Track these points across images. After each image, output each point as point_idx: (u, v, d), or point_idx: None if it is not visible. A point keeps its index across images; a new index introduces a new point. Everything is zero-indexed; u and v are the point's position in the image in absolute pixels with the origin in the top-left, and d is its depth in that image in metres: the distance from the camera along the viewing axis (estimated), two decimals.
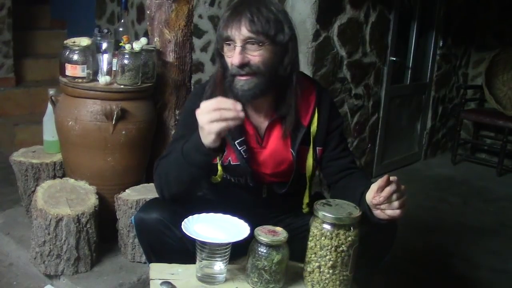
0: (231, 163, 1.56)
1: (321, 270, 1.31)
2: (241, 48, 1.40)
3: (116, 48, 2.03)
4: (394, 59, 3.80)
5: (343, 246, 1.28)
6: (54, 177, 2.15)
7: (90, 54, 1.97)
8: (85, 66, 1.95)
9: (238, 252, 1.40)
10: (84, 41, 1.97)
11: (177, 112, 2.19)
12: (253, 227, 1.36)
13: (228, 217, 1.42)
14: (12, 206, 2.48)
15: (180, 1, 2.12)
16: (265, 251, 1.30)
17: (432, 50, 4.31)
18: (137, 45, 1.97)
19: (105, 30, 2.08)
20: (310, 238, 1.32)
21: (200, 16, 3.73)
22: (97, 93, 1.96)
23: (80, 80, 1.96)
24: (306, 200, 1.65)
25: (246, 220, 1.41)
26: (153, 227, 1.45)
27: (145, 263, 1.91)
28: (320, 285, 1.32)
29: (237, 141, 1.52)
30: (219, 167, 1.57)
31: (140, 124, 2.02)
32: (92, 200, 1.92)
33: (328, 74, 3.24)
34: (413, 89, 4.25)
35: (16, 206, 2.43)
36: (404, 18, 3.89)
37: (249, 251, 1.33)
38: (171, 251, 1.46)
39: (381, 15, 3.55)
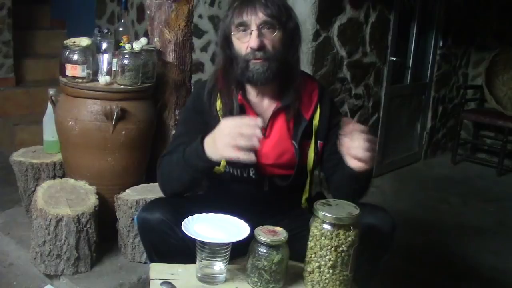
0: None
1: (321, 270, 1.31)
2: (258, 32, 1.46)
3: (116, 48, 2.03)
4: (394, 59, 3.80)
5: (343, 246, 1.28)
6: (54, 177, 2.15)
7: (90, 54, 1.97)
8: (85, 66, 1.95)
9: (238, 252, 1.40)
10: (84, 41, 1.97)
11: (177, 112, 2.19)
12: (253, 226, 1.36)
13: (228, 217, 1.42)
14: (12, 206, 2.48)
15: (180, 1, 2.12)
16: (265, 251, 1.30)
17: (432, 50, 4.31)
18: (137, 45, 1.97)
19: (105, 30, 2.08)
20: (310, 238, 1.32)
21: (200, 16, 3.73)
22: (97, 93, 1.96)
23: (80, 80, 1.96)
24: (305, 195, 1.66)
25: (246, 218, 1.41)
26: (156, 227, 1.45)
27: (145, 263, 1.91)
28: (320, 285, 1.32)
29: None
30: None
31: (140, 124, 2.02)
32: (92, 200, 1.92)
33: (328, 74, 3.24)
34: (413, 89, 4.25)
35: (16, 206, 2.43)
36: (404, 18, 3.89)
37: (249, 251, 1.33)
38: (174, 251, 1.46)
39: (381, 15, 3.55)
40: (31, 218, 1.98)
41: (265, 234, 1.31)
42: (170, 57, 2.15)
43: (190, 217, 1.38)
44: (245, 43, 1.48)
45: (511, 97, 4.39)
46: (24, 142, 3.06)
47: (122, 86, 1.98)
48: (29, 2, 4.44)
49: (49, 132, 2.20)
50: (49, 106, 2.16)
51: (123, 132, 1.98)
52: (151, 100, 2.11)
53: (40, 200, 1.88)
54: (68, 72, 1.96)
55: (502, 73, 4.42)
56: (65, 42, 2.00)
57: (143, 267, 1.91)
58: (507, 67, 4.40)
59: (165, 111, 2.19)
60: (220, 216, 1.42)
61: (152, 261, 1.53)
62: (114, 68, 2.01)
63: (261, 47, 1.46)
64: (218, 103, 1.57)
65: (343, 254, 1.29)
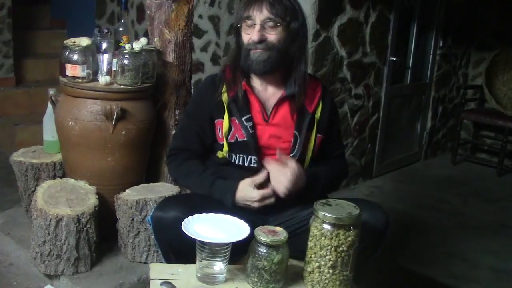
0: (238, 139, 1.65)
1: (321, 270, 1.31)
2: (260, 27, 1.59)
3: (116, 48, 2.03)
4: (394, 59, 3.80)
5: (343, 246, 1.28)
6: (54, 177, 2.15)
7: (90, 54, 1.97)
8: (85, 66, 1.95)
9: (238, 252, 1.40)
10: (84, 41, 1.97)
11: (177, 112, 2.19)
12: (253, 225, 1.36)
13: (228, 217, 1.42)
14: (12, 206, 2.48)
15: (180, 1, 2.12)
16: (265, 251, 1.30)
17: (432, 50, 4.31)
18: (137, 45, 1.97)
19: (105, 30, 2.08)
20: (310, 238, 1.33)
21: (200, 16, 3.73)
22: (97, 93, 1.96)
23: (80, 80, 1.96)
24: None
25: (247, 218, 1.41)
26: (172, 225, 1.44)
27: (145, 263, 1.91)
28: (320, 285, 1.32)
29: (245, 117, 1.64)
30: (225, 144, 1.65)
31: (140, 124, 2.02)
32: (92, 200, 1.92)
33: (328, 74, 3.24)
34: (413, 89, 4.25)
35: (16, 206, 2.43)
36: (404, 18, 3.89)
37: (249, 251, 1.33)
38: (191, 249, 1.45)
39: (381, 15, 3.55)
40: (31, 218, 1.98)
41: (265, 234, 1.31)
42: (170, 57, 2.15)
43: (190, 217, 1.38)
44: (249, 34, 1.61)
45: (511, 97, 4.39)
46: (24, 142, 3.06)
47: (122, 86, 1.98)
48: (29, 2, 4.44)
49: (49, 132, 2.20)
50: (49, 106, 2.16)
51: (123, 132, 1.98)
52: (151, 100, 2.11)
53: (40, 200, 1.88)
54: (68, 72, 1.96)
55: (502, 73, 4.42)
56: (65, 42, 2.00)
57: (143, 267, 1.91)
58: (507, 67, 4.40)
59: (165, 111, 2.19)
60: (220, 216, 1.42)
61: (168, 260, 1.53)
62: (114, 68, 2.01)
63: (261, 41, 1.59)
64: (224, 91, 1.67)
65: (343, 254, 1.29)
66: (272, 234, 1.32)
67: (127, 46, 1.94)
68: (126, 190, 1.98)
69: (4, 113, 3.83)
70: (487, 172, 4.34)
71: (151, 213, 1.56)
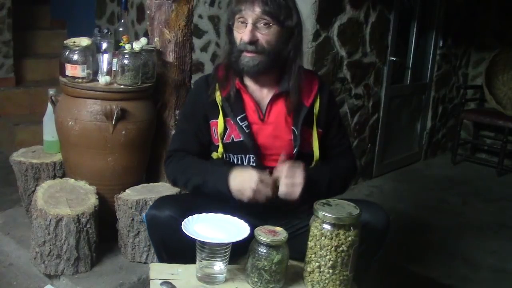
0: (234, 140, 1.61)
1: (321, 270, 1.31)
2: (252, 26, 1.52)
3: (116, 48, 2.03)
4: (394, 59, 3.80)
5: (343, 246, 1.29)
6: (54, 177, 2.15)
7: (90, 54, 1.97)
8: (85, 66, 1.95)
9: (238, 252, 1.40)
10: (84, 41, 1.97)
11: (177, 112, 2.18)
12: (253, 225, 1.36)
13: (228, 217, 1.42)
14: (12, 206, 2.48)
15: (180, 1, 2.12)
16: (265, 251, 1.30)
17: (432, 50, 4.31)
18: (137, 45, 1.97)
19: (105, 30, 2.08)
20: (310, 238, 1.33)
21: (200, 16, 3.73)
22: (97, 93, 1.96)
23: (80, 80, 1.96)
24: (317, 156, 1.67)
25: (247, 219, 1.41)
26: (165, 224, 1.45)
27: (145, 263, 1.91)
28: (320, 285, 1.32)
29: (239, 117, 1.60)
30: (220, 145, 1.62)
31: (140, 124, 2.02)
32: (92, 200, 1.92)
33: (328, 74, 3.24)
34: (413, 89, 4.24)
35: (16, 206, 2.43)
36: (404, 18, 3.89)
37: (249, 251, 1.33)
38: (184, 249, 1.44)
39: (381, 15, 3.55)
40: (31, 218, 1.98)
41: (265, 234, 1.31)
42: (170, 57, 2.15)
43: (190, 217, 1.38)
44: (240, 33, 1.55)
45: (511, 97, 4.39)
46: (24, 142, 3.06)
47: (122, 86, 1.98)
48: (29, 2, 4.44)
49: (49, 132, 2.20)
50: (49, 106, 2.16)
51: (123, 132, 1.98)
52: (151, 100, 2.11)
53: (40, 200, 1.88)
54: (68, 72, 1.96)
55: (502, 73, 4.42)
56: (65, 42, 2.00)
57: (143, 267, 1.91)
58: (507, 67, 4.40)
59: (165, 111, 2.19)
60: (220, 216, 1.42)
61: (160, 259, 1.53)
62: (114, 68, 2.01)
63: (252, 41, 1.52)
64: (217, 91, 1.63)
65: (343, 254, 1.29)
66: (272, 234, 1.32)
67: (127, 46, 1.94)
68: (126, 190, 1.98)
69: (4, 113, 3.83)
70: (487, 172, 4.34)
71: (146, 211, 1.56)
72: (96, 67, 2.00)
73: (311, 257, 1.33)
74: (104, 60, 1.99)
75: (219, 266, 1.33)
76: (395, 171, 4.14)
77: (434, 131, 4.59)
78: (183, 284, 1.33)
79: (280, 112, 1.63)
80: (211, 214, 1.41)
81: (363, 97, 3.61)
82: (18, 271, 2.06)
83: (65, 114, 2.01)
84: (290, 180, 1.47)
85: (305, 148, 1.63)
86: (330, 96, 1.72)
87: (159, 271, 1.38)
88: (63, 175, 2.16)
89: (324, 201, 1.34)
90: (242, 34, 1.54)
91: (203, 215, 1.40)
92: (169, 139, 2.16)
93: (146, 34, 2.23)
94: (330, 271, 1.30)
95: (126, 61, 1.95)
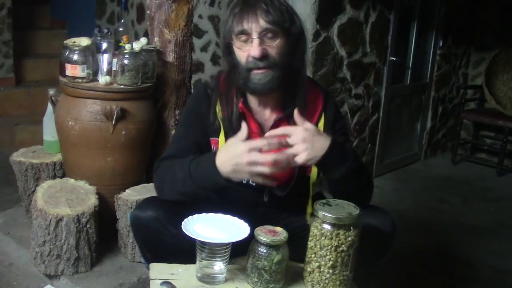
0: None
1: (321, 270, 1.31)
2: (259, 40, 1.39)
3: (116, 48, 2.03)
4: (394, 59, 3.80)
5: (343, 246, 1.28)
6: (54, 177, 2.15)
7: (90, 54, 1.97)
8: (85, 66, 1.95)
9: (238, 252, 1.40)
10: (84, 41, 1.97)
11: (177, 112, 2.19)
12: (253, 227, 1.36)
13: (228, 217, 1.42)
14: (12, 206, 2.48)
15: (180, 1, 2.12)
16: (265, 251, 1.30)
17: (432, 50, 4.31)
18: (137, 45, 1.97)
19: (105, 30, 2.08)
20: (310, 238, 1.33)
21: (200, 16, 3.73)
22: (97, 93, 1.96)
23: (80, 80, 1.96)
24: (309, 209, 1.60)
25: (246, 220, 1.41)
26: (148, 224, 1.45)
27: (145, 264, 1.91)
28: (320, 285, 1.32)
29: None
30: None
31: (140, 124, 2.02)
32: (92, 200, 1.92)
33: (328, 74, 3.24)
34: (413, 89, 4.25)
35: (16, 206, 2.43)
36: (404, 18, 3.89)
37: (249, 251, 1.33)
38: (167, 249, 1.46)
39: (381, 15, 3.55)
40: (31, 218, 1.98)
41: (265, 234, 1.31)
42: (170, 57, 2.15)
43: (190, 217, 1.38)
44: (246, 51, 1.42)
45: (511, 97, 4.39)
46: (24, 142, 3.06)
47: (122, 86, 1.98)
48: (29, 2, 4.44)
49: (49, 132, 2.20)
50: (49, 106, 2.16)
51: (123, 132, 1.98)
52: (151, 100, 2.11)
53: (40, 200, 1.88)
54: (68, 72, 1.96)
55: (502, 73, 4.42)
56: (65, 42, 2.00)
57: (143, 267, 1.91)
58: (507, 67, 4.40)
59: (165, 111, 2.19)
60: (220, 216, 1.42)
61: (145, 258, 1.55)
62: (114, 68, 2.01)
63: (263, 56, 1.40)
64: (218, 108, 1.53)
65: (343, 254, 1.29)
66: (272, 234, 1.31)
67: (127, 46, 1.94)
68: (126, 190, 1.98)
69: (4, 113, 3.83)
70: (487, 172, 4.34)
71: (130, 211, 1.56)
72: (96, 67, 2.00)
73: (311, 257, 1.33)
74: (104, 60, 1.99)
75: (219, 266, 1.33)
76: (395, 171, 4.14)
77: (434, 131, 4.59)
78: (183, 284, 1.33)
79: (283, 136, 1.51)
80: (211, 214, 1.41)
81: (363, 97, 3.61)
82: (18, 271, 2.06)
83: (65, 114, 2.01)
84: (310, 140, 1.32)
85: (307, 169, 1.55)
86: (335, 111, 1.61)
87: (159, 271, 1.38)
88: (63, 175, 2.16)
89: (324, 201, 1.34)
90: (248, 51, 1.41)
91: (203, 215, 1.40)
92: (169, 139, 2.16)
93: (146, 34, 2.23)
94: (330, 271, 1.30)
95: (126, 61, 1.95)
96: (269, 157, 1.31)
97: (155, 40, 2.16)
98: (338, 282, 1.32)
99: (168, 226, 1.43)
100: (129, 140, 2.00)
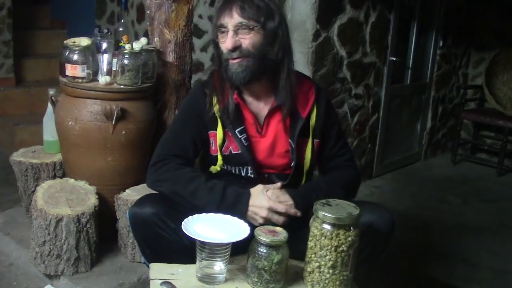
0: (232, 152, 1.60)
1: (321, 270, 1.31)
2: (233, 33, 1.50)
3: (116, 48, 2.03)
4: (394, 59, 3.80)
5: (343, 246, 1.28)
6: (54, 177, 2.15)
7: (90, 54, 1.97)
8: (85, 66, 1.95)
9: (238, 252, 1.40)
10: (84, 41, 1.97)
11: (177, 112, 2.18)
12: (253, 227, 1.36)
13: (228, 217, 1.42)
14: (12, 206, 2.48)
15: (180, 1, 2.12)
16: (265, 251, 1.30)
17: (432, 50, 4.31)
18: (137, 45, 1.97)
19: (105, 30, 2.08)
20: (310, 238, 1.33)
21: (200, 16, 3.73)
22: (97, 93, 1.96)
23: (80, 80, 1.96)
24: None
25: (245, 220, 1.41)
26: (147, 220, 1.47)
27: (144, 262, 1.91)
28: (320, 285, 1.32)
29: (238, 129, 1.57)
30: (219, 157, 1.60)
31: (140, 124, 2.02)
32: (92, 200, 1.92)
33: (328, 74, 3.24)
34: (413, 89, 4.24)
35: (16, 206, 2.43)
36: (404, 18, 3.88)
37: (249, 251, 1.33)
38: (165, 245, 1.48)
39: (381, 15, 3.55)
40: (31, 218, 1.98)
41: (265, 234, 1.31)
42: (170, 57, 2.15)
43: (190, 217, 1.38)
44: (224, 43, 1.53)
45: (511, 97, 4.39)
46: (24, 142, 3.06)
47: (122, 86, 1.98)
48: (29, 2, 4.44)
49: (49, 132, 2.20)
50: (49, 106, 2.16)
51: (123, 132, 1.98)
52: (151, 100, 2.11)
53: (40, 200, 1.88)
54: (68, 72, 1.96)
55: (502, 73, 4.42)
56: (65, 42, 2.00)
57: (143, 267, 1.91)
58: (507, 67, 4.40)
59: (165, 111, 2.19)
60: (220, 216, 1.42)
61: (144, 255, 1.56)
62: (114, 68, 2.01)
63: (235, 48, 1.50)
64: (215, 103, 1.59)
65: (343, 254, 1.29)
66: (272, 234, 1.31)
67: (127, 46, 1.94)
68: (126, 190, 1.98)
69: (4, 113, 3.83)
70: (487, 172, 4.34)
71: (129, 208, 1.57)
72: (96, 67, 2.00)
73: (311, 257, 1.33)
74: (104, 60, 1.99)
75: (219, 266, 1.33)
76: (395, 171, 4.14)
77: (434, 131, 4.59)
78: (183, 284, 1.33)
79: (278, 125, 1.61)
80: (211, 214, 1.42)
81: (363, 97, 3.61)
82: (18, 271, 2.06)
83: (65, 114, 2.01)
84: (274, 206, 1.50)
85: (302, 160, 1.62)
86: (327, 105, 1.68)
87: (159, 271, 1.38)
88: (63, 175, 2.16)
89: (324, 201, 1.34)
90: (225, 44, 1.52)
91: (203, 215, 1.40)
92: None
93: (146, 34, 2.23)
94: (330, 271, 1.30)
95: (126, 61, 1.95)
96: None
97: (155, 40, 2.16)
98: (338, 282, 1.32)
99: (167, 221, 1.46)
100: (129, 140, 2.00)
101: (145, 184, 2.06)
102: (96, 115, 1.95)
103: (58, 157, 2.18)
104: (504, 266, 2.68)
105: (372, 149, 3.86)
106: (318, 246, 1.30)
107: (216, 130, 1.59)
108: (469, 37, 4.64)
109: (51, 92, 2.16)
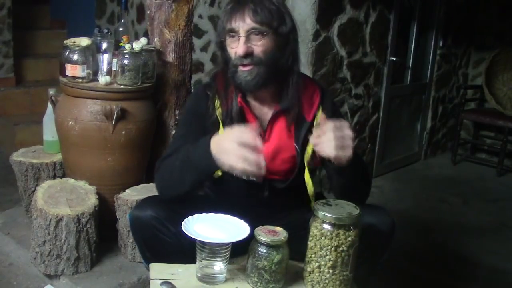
0: None
1: (321, 270, 1.31)
2: (245, 39, 1.44)
3: (116, 48, 2.03)
4: (394, 59, 3.80)
5: (343, 246, 1.28)
6: (54, 177, 2.15)
7: (90, 54, 1.97)
8: (85, 66, 1.95)
9: (238, 252, 1.40)
10: (84, 41, 1.97)
11: (177, 112, 2.19)
12: (253, 226, 1.36)
13: (228, 217, 1.42)
14: (12, 206, 2.48)
15: (180, 1, 2.12)
16: (265, 251, 1.30)
17: (432, 50, 4.31)
18: (137, 45, 1.97)
19: (105, 30, 2.08)
20: (310, 238, 1.33)
21: (200, 16, 3.73)
22: (97, 93, 1.96)
23: (80, 80, 1.96)
24: (311, 191, 1.60)
25: (246, 218, 1.41)
26: (147, 223, 1.46)
27: (144, 265, 1.91)
28: (320, 285, 1.32)
29: None
30: None
31: (140, 124, 2.02)
32: (92, 200, 1.92)
33: (328, 74, 3.24)
34: (413, 89, 4.25)
35: (16, 206, 2.43)
36: (404, 18, 3.88)
37: (249, 251, 1.33)
38: (166, 248, 1.47)
39: (381, 15, 3.55)
40: (31, 218, 1.98)
41: (265, 234, 1.31)
42: (170, 57, 2.15)
43: (190, 217, 1.38)
44: (234, 48, 1.47)
45: (511, 97, 4.39)
46: (24, 142, 3.06)
47: (122, 86, 1.98)
48: (29, 2, 4.44)
49: (49, 132, 2.21)
50: (49, 106, 2.16)
51: (123, 132, 1.98)
52: (151, 100, 2.11)
53: (40, 200, 1.88)
54: (68, 72, 1.96)
55: (502, 73, 4.42)
56: (65, 42, 2.00)
57: (143, 267, 1.90)
58: (507, 67, 4.40)
59: (165, 111, 2.19)
60: (220, 216, 1.42)
61: (145, 258, 1.55)
62: (114, 68, 2.01)
63: (248, 54, 1.44)
64: (217, 105, 1.56)
65: (343, 254, 1.29)
66: (272, 234, 1.31)
67: (127, 46, 1.94)
68: (126, 190, 1.98)
69: (4, 113, 3.83)
70: (487, 172, 4.34)
71: (130, 211, 1.56)
72: (96, 67, 2.00)
73: (311, 257, 1.33)
74: (104, 60, 1.99)
75: (219, 266, 1.33)
76: (395, 171, 4.14)
77: (434, 131, 4.59)
78: (183, 284, 1.33)
79: (282, 129, 1.57)
80: (211, 214, 1.41)
81: (363, 97, 3.61)
82: (18, 271, 2.06)
83: (65, 114, 2.01)
84: (340, 133, 1.36)
85: (302, 164, 1.57)
86: (333, 107, 1.64)
87: (159, 271, 1.38)
88: (63, 175, 2.16)
89: (324, 201, 1.34)
90: (235, 49, 1.46)
91: (203, 215, 1.40)
92: (169, 139, 2.16)
93: (146, 34, 2.23)
94: (330, 271, 1.30)
95: (126, 61, 1.95)
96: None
97: (155, 40, 2.16)
98: (338, 282, 1.32)
99: (167, 225, 1.45)
100: (129, 140, 2.00)
101: (145, 184, 2.07)
102: (96, 115, 1.96)
103: (58, 157, 2.18)
104: (504, 266, 2.68)
105: (372, 149, 3.86)
106: (318, 246, 1.30)
107: (218, 133, 1.53)
108: (469, 37, 4.64)
109: (51, 92, 2.16)
